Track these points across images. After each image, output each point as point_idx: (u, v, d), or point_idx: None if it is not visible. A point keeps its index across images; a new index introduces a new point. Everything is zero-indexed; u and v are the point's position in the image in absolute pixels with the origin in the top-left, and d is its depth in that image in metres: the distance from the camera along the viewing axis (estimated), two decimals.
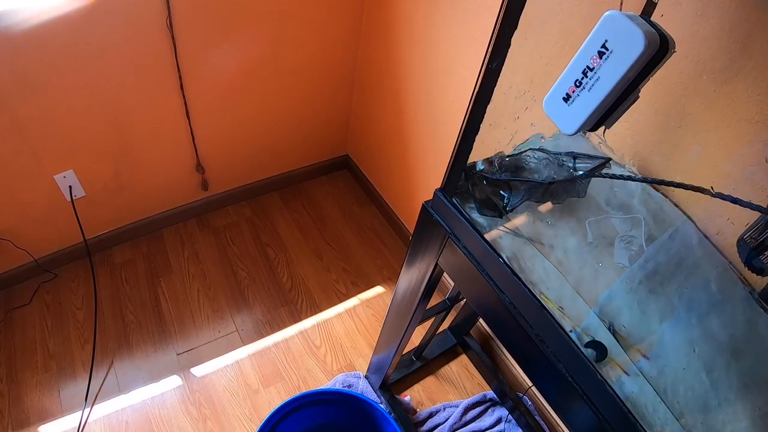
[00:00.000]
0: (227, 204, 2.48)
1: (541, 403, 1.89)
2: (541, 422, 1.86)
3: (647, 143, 1.00)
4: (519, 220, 1.06)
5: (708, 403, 0.84)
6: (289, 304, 2.16)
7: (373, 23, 2.06)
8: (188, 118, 1.98)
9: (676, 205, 1.01)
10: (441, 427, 1.85)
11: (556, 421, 1.84)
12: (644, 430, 0.77)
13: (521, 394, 1.92)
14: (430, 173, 2.07)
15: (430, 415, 1.89)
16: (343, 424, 1.73)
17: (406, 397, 1.93)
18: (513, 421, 1.89)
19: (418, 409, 1.90)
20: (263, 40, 1.93)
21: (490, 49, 0.78)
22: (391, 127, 2.22)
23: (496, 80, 0.82)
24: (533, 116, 0.97)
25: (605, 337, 0.88)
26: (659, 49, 0.62)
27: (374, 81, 2.21)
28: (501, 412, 1.91)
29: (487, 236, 0.96)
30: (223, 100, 2.03)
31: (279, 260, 2.31)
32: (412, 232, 1.16)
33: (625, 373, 0.85)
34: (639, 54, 0.61)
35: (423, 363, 2.01)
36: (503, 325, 0.96)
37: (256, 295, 2.17)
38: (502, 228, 1.02)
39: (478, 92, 0.84)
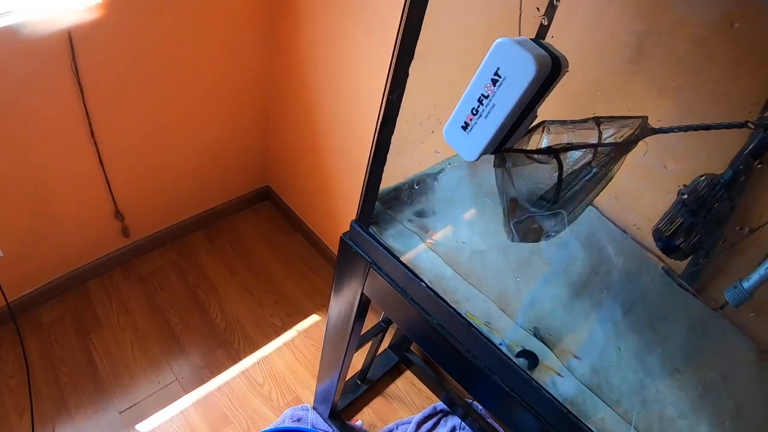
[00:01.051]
0: (151, 249, 2.41)
1: None
2: (494, 424, 1.88)
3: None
4: (439, 235, 1.08)
5: (644, 391, 0.88)
6: (226, 344, 2.11)
7: (281, 52, 2.05)
8: (102, 164, 1.91)
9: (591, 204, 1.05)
10: None
11: None
12: (585, 425, 0.79)
13: (470, 401, 1.94)
14: (349, 195, 2.08)
15: None
16: None
17: (357, 421, 1.92)
18: (467, 427, 1.91)
19: None
20: (174, 81, 1.90)
21: (389, 81, 0.80)
22: (307, 154, 2.21)
23: (398, 110, 0.83)
24: (440, 140, 0.99)
25: (535, 344, 0.91)
26: (552, 70, 0.64)
27: (288, 110, 2.20)
28: (454, 420, 1.93)
29: (407, 261, 0.97)
30: (137, 144, 1.98)
31: (210, 301, 2.25)
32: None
33: (559, 375, 0.88)
34: (531, 79, 0.63)
35: (369, 385, 2.01)
36: (435, 346, 0.97)
37: (191, 340, 2.10)
38: (421, 247, 1.03)
39: (381, 123, 0.85)
